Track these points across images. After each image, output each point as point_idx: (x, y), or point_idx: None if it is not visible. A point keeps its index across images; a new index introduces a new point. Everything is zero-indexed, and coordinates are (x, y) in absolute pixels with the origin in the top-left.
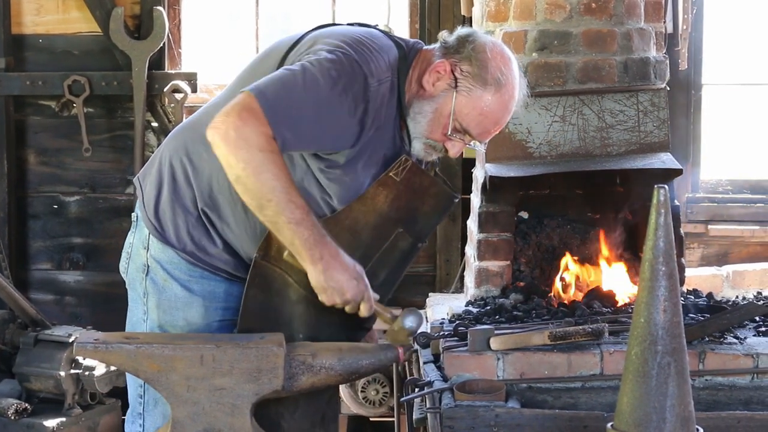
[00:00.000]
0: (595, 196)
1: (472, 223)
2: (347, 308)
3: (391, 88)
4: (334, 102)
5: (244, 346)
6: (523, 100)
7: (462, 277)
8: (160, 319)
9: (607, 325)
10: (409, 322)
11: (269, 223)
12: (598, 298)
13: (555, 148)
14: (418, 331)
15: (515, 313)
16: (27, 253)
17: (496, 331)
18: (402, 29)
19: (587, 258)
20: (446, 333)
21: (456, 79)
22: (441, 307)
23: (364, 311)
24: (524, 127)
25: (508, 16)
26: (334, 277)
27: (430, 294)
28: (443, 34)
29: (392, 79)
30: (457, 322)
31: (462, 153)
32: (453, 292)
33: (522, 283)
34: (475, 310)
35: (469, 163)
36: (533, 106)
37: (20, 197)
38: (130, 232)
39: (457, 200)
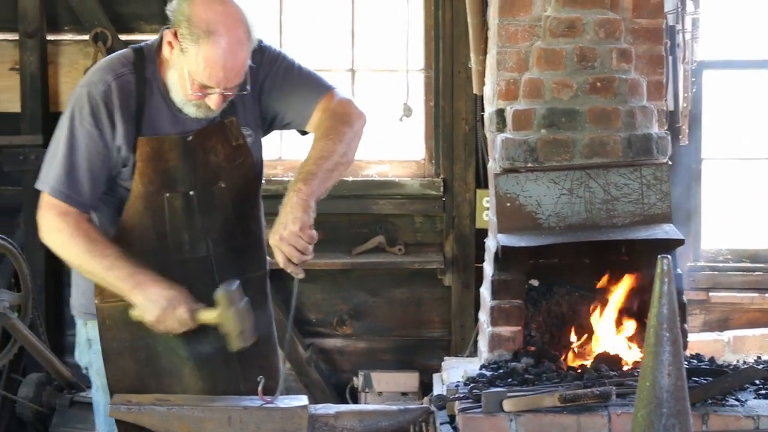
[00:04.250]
0: (602, 265)
1: (485, 291)
2: (171, 320)
3: (138, 79)
4: (86, 140)
5: (270, 408)
6: (249, 32)
7: (476, 342)
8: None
9: (614, 388)
10: (233, 302)
11: (98, 281)
12: (605, 362)
13: (563, 219)
14: (241, 300)
15: (527, 376)
16: (63, 319)
17: (508, 394)
18: (418, 107)
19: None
20: (461, 395)
21: (180, 42)
22: (456, 371)
23: (182, 313)
24: (534, 200)
25: (518, 95)
26: (152, 291)
27: (445, 358)
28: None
29: (132, 70)
30: (472, 384)
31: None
32: (467, 356)
33: (533, 348)
34: (488, 374)
35: (481, 234)
36: (542, 179)
37: (56, 267)
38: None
39: (189, 139)
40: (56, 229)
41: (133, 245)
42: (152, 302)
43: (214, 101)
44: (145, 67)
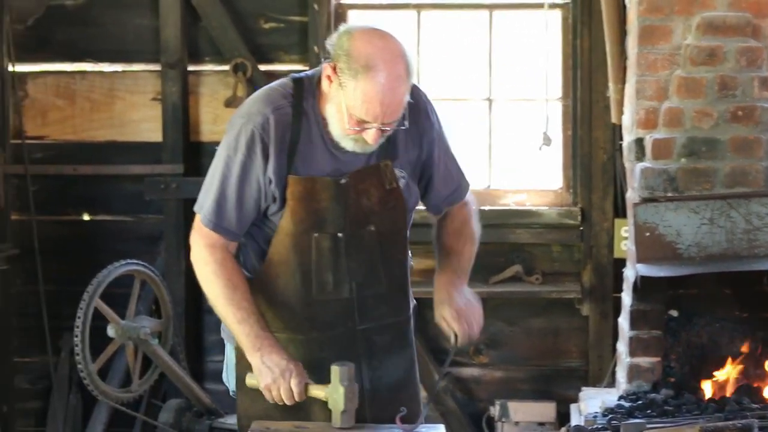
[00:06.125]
0: (744, 296)
1: (623, 321)
2: (282, 390)
3: (296, 112)
4: (238, 172)
5: None
6: (409, 69)
7: (614, 373)
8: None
9: (756, 420)
10: (344, 381)
11: (224, 324)
12: (747, 394)
13: (703, 249)
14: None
15: (666, 407)
16: (202, 345)
17: (648, 425)
18: (555, 136)
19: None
20: (599, 426)
21: (339, 77)
22: (594, 401)
23: (294, 385)
24: (674, 229)
25: (658, 124)
26: (271, 358)
27: (583, 388)
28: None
29: (292, 103)
30: (610, 415)
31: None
32: (605, 387)
33: (672, 379)
34: (627, 405)
35: (620, 263)
36: (682, 209)
37: (196, 295)
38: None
39: (343, 182)
40: (203, 261)
41: (278, 280)
42: (268, 368)
43: (371, 136)
44: (304, 99)
